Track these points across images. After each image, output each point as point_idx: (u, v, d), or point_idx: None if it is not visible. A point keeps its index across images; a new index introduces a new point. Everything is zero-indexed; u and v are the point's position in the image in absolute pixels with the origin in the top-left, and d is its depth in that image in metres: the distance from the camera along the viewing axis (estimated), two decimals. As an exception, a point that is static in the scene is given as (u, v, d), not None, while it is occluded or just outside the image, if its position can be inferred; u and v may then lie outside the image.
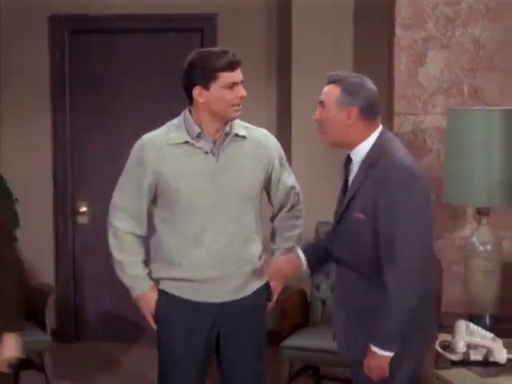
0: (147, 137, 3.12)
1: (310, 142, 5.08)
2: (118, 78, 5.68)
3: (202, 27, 5.56)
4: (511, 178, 3.96)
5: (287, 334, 4.51)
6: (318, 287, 4.82)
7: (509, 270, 4.26)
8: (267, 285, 3.19)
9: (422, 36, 4.49)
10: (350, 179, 2.89)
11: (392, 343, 2.76)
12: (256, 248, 3.14)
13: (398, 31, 4.50)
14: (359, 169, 2.84)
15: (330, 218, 5.12)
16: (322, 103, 2.86)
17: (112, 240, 3.13)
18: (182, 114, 3.12)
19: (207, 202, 3.04)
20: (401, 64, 4.51)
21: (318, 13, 5.24)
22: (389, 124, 4.57)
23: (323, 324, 4.70)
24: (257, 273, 3.11)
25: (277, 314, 4.38)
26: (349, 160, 2.91)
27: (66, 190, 5.75)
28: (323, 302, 4.80)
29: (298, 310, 4.70)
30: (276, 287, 3.22)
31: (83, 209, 5.75)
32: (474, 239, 4.11)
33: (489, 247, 4.09)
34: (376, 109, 2.84)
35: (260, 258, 3.16)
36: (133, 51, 5.66)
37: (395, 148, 2.83)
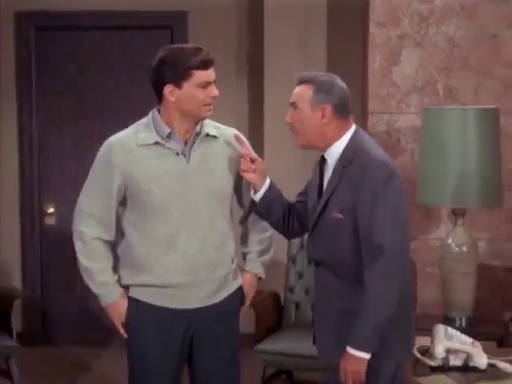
0: (115, 138, 3.01)
1: (283, 143, 4.93)
2: (85, 76, 5.61)
3: (171, 25, 5.50)
4: (487, 178, 3.94)
5: (260, 338, 4.47)
6: (291, 290, 4.79)
7: (483, 272, 4.25)
8: (240, 289, 3.12)
9: (396, 34, 4.49)
10: (325, 180, 2.85)
11: (370, 344, 2.69)
12: (229, 251, 3.07)
13: (373, 29, 4.49)
14: (334, 169, 2.81)
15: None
16: (293, 104, 2.83)
17: (79, 246, 3.02)
18: (151, 113, 3.03)
19: (180, 205, 2.95)
20: (375, 62, 4.50)
21: (290, 11, 5.20)
22: (362, 123, 4.54)
23: (297, 327, 4.68)
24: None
25: (251, 317, 4.32)
26: (323, 160, 2.88)
27: (32, 190, 5.67)
28: (297, 305, 4.77)
29: (272, 314, 4.66)
30: (249, 291, 3.15)
31: (50, 210, 5.68)
32: (450, 240, 4.10)
33: (464, 248, 4.08)
34: (348, 107, 2.84)
35: (233, 262, 3.09)
36: (101, 49, 5.60)
37: (370, 146, 2.81)
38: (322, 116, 2.78)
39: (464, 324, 4.06)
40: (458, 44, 4.43)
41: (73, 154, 5.59)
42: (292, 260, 4.80)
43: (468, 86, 4.43)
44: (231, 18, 5.47)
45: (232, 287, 3.07)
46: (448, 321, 4.03)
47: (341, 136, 2.81)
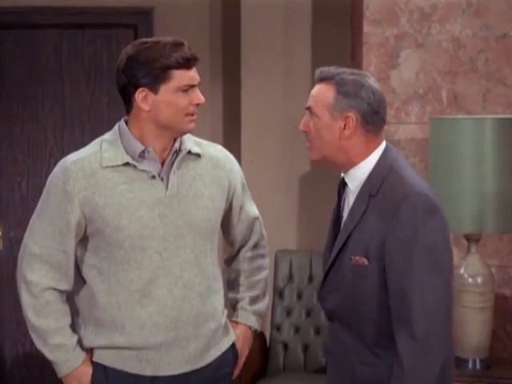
0: (73, 159, 2.48)
1: (264, 158, 4.85)
2: (38, 80, 5.27)
3: (135, 23, 5.20)
4: (506, 198, 3.61)
5: (244, 386, 4.13)
6: (278, 328, 4.42)
7: (497, 304, 3.90)
8: (233, 346, 2.62)
9: (393, 33, 4.30)
10: (345, 211, 2.33)
11: None
12: (218, 299, 2.56)
13: (367, 28, 4.30)
14: (358, 197, 2.28)
15: (291, 246, 4.70)
16: (310, 109, 2.31)
17: (26, 299, 2.47)
18: (116, 126, 2.53)
19: (157, 243, 2.45)
20: (370, 65, 4.31)
21: (270, 8, 4.91)
22: (356, 135, 4.18)
23: (285, 373, 4.34)
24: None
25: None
26: (343, 185, 2.36)
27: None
28: (285, 346, 4.40)
29: (256, 357, 4.27)
30: (243, 348, 2.66)
31: (-3, 234, 5.47)
32: (462, 271, 3.74)
33: (480, 280, 3.71)
34: (381, 117, 2.30)
35: (223, 313, 2.59)
36: (55, 50, 5.27)
37: (405, 169, 2.30)
38: (344, 126, 2.26)
39: (479, 366, 3.68)
40: (464, 45, 4.19)
41: (24, 167, 5.22)
42: (279, 294, 4.42)
43: (475, 93, 4.18)
44: (204, 15, 5.15)
45: (223, 345, 2.57)
46: (460, 363, 3.66)
47: (368, 154, 2.28)
